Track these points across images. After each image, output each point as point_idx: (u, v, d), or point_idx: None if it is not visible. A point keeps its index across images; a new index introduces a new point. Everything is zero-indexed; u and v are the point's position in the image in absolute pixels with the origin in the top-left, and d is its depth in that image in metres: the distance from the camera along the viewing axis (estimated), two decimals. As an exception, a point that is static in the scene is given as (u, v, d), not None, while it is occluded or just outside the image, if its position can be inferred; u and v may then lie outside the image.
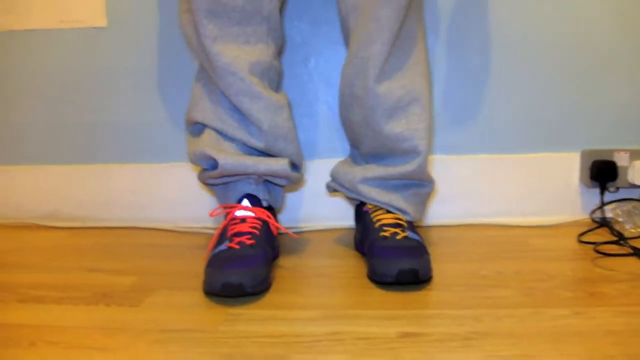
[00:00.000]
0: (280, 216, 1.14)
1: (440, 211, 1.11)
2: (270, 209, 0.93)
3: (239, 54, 0.84)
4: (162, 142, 1.16)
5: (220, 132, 0.89)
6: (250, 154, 0.90)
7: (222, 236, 0.83)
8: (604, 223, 1.03)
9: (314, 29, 1.10)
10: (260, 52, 0.87)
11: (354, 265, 0.88)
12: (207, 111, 0.89)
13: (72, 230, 1.15)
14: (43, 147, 1.20)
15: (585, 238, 0.97)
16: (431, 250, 0.92)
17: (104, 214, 1.19)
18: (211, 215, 0.88)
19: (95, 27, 1.14)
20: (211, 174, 0.89)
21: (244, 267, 0.74)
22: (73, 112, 1.18)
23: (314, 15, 1.09)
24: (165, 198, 1.16)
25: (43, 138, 1.20)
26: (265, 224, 0.86)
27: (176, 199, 1.16)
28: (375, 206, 0.89)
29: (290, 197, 1.14)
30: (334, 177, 0.96)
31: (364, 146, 0.91)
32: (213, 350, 0.61)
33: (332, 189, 0.98)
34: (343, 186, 0.93)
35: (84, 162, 1.19)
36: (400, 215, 0.87)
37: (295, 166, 0.95)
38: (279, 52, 0.94)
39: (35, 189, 1.20)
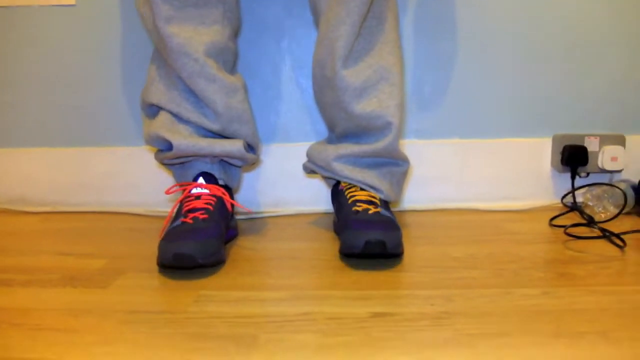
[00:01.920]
0: (250, 200, 1.13)
1: (414, 195, 1.12)
2: (226, 187, 0.93)
3: (193, 35, 0.84)
4: (133, 125, 1.14)
5: (175, 115, 0.89)
6: (205, 136, 0.90)
7: (177, 213, 0.84)
8: (574, 207, 1.05)
9: (286, 10, 1.09)
10: (215, 33, 0.86)
11: (326, 248, 0.87)
12: (162, 93, 0.88)
13: (42, 214, 1.13)
14: (15, 129, 1.17)
15: (556, 222, 0.98)
16: (404, 233, 0.92)
17: (75, 199, 1.17)
18: (167, 192, 0.88)
19: (64, 5, 1.12)
20: (167, 155, 0.89)
21: (195, 240, 0.75)
22: (45, 94, 1.15)
23: (287, -4, 1.08)
24: (136, 181, 1.15)
25: (14, 120, 1.17)
26: (220, 200, 0.87)
27: (144, 182, 1.14)
28: (350, 184, 0.89)
29: (260, 181, 1.13)
30: (309, 157, 0.96)
31: (339, 127, 0.91)
32: (182, 330, 0.60)
33: (308, 170, 0.97)
34: (318, 165, 0.93)
35: (56, 145, 1.16)
36: (373, 193, 0.87)
37: (251, 147, 0.95)
38: (235, 34, 0.94)
39: (5, 172, 1.17)
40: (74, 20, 1.12)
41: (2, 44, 1.14)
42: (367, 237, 0.75)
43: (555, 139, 1.10)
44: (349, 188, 0.89)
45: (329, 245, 0.89)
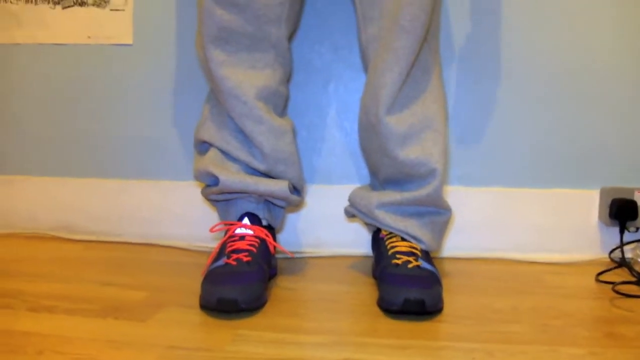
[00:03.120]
0: (291, 240, 1.13)
1: (456, 243, 1.10)
2: (269, 228, 0.94)
3: (244, 79, 0.87)
4: (178, 160, 1.17)
5: (224, 152, 0.91)
6: (253, 174, 0.91)
7: (220, 252, 0.85)
8: (623, 263, 1.01)
9: (334, 54, 1.11)
10: (266, 77, 0.89)
11: (365, 292, 0.87)
12: (213, 131, 0.91)
13: (86, 243, 1.16)
14: (61, 158, 1.21)
15: (603, 277, 0.95)
16: (444, 281, 0.91)
17: (118, 229, 1.19)
18: (211, 231, 0.90)
19: (121, 44, 1.17)
20: (213, 190, 0.91)
21: (239, 283, 0.75)
22: (92, 126, 1.20)
23: (335, 41, 1.11)
24: (179, 215, 1.17)
25: (61, 150, 1.21)
26: (263, 242, 0.87)
27: (190, 216, 1.16)
28: (391, 233, 0.89)
29: (302, 222, 1.13)
30: (351, 201, 0.96)
31: (382, 173, 0.91)
32: (219, 369, 0.60)
33: (350, 214, 0.97)
34: (360, 211, 0.93)
35: (100, 176, 1.20)
36: (414, 244, 0.87)
37: (296, 189, 0.96)
38: (287, 79, 0.97)
39: (52, 200, 1.22)
40: (131, 59, 1.17)
41: (59, 79, 1.20)
42: (406, 295, 0.74)
43: (604, 192, 1.07)
44: (390, 237, 0.88)
45: (368, 289, 0.88)
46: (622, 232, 1.05)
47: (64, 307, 0.78)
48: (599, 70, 1.07)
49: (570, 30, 1.07)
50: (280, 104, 0.94)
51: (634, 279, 0.92)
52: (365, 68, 0.92)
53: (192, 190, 1.16)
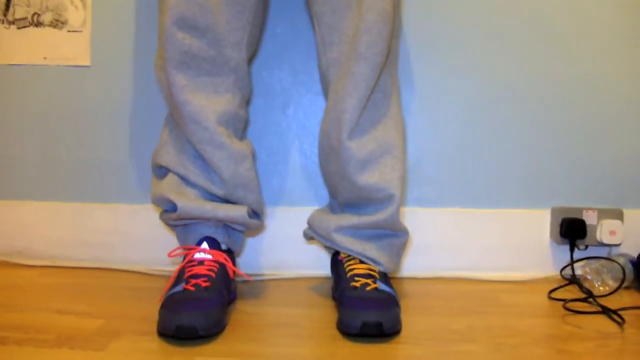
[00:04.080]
0: (251, 263, 1.13)
1: (413, 263, 1.12)
2: (229, 252, 0.94)
3: (206, 104, 0.87)
4: (137, 183, 1.16)
5: (182, 178, 0.91)
6: (211, 200, 0.91)
7: (178, 277, 0.84)
8: (573, 280, 1.05)
9: (293, 78, 1.12)
10: (226, 101, 0.89)
11: (324, 315, 0.87)
12: (172, 156, 0.91)
13: (42, 268, 1.13)
14: (19, 182, 1.19)
15: (555, 295, 0.98)
16: (402, 302, 0.92)
17: (75, 254, 1.17)
18: (170, 255, 0.89)
19: (78, 66, 1.16)
20: (171, 216, 0.90)
21: (198, 310, 0.74)
22: (49, 148, 1.18)
23: (294, 65, 1.12)
24: (138, 239, 1.15)
25: (20, 173, 1.19)
26: (222, 267, 0.87)
27: (149, 240, 1.15)
28: (349, 255, 0.90)
29: (262, 244, 1.14)
30: (310, 224, 0.97)
31: (341, 196, 0.92)
32: (177, 399, 0.59)
33: (308, 237, 0.98)
34: (318, 234, 0.94)
35: (57, 199, 1.18)
36: (372, 266, 0.88)
37: (255, 214, 0.96)
38: (246, 102, 0.97)
39: (6, 224, 1.18)
40: (88, 81, 1.15)
41: (17, 101, 1.17)
42: (364, 318, 0.75)
43: (554, 211, 1.11)
44: (348, 260, 0.89)
45: (327, 312, 0.89)
46: (572, 250, 1.09)
47: (17, 337, 0.76)
48: (551, 95, 1.11)
49: (523, 57, 1.11)
50: (239, 127, 0.94)
51: (583, 296, 0.95)
52: (325, 92, 0.94)
53: (151, 214, 1.15)
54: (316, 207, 1.08)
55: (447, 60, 1.11)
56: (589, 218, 1.10)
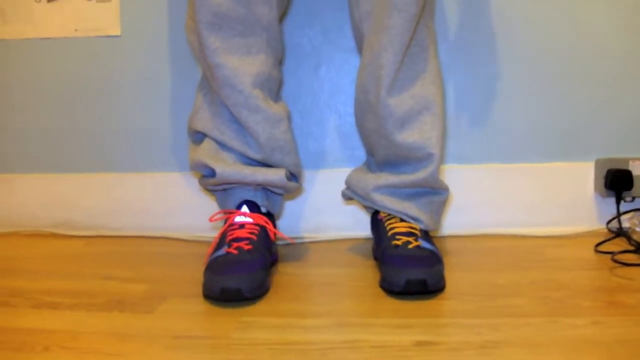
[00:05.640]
0: (291, 226, 1.13)
1: (455, 221, 1.11)
2: (269, 215, 0.94)
3: (240, 65, 0.85)
4: (173, 150, 1.17)
5: (219, 142, 0.90)
6: (249, 164, 0.91)
7: (221, 241, 0.85)
8: (621, 233, 1.02)
9: (324, 36, 1.10)
10: (260, 62, 0.88)
11: (366, 274, 0.87)
12: (207, 121, 0.90)
13: (86, 238, 1.16)
14: (56, 154, 1.21)
15: (602, 248, 0.95)
16: (445, 260, 0.91)
17: (116, 223, 1.19)
18: (210, 220, 0.89)
19: (109, 36, 1.16)
20: (210, 181, 0.90)
21: (241, 272, 0.75)
22: (84, 120, 1.19)
23: (324, 23, 1.10)
24: (177, 206, 1.17)
25: (56, 146, 1.21)
26: (263, 229, 0.87)
27: (188, 207, 1.16)
28: (389, 214, 0.89)
29: (300, 207, 1.13)
30: (348, 185, 0.96)
31: (379, 154, 0.91)
32: (226, 356, 0.60)
33: (347, 197, 0.97)
34: (357, 194, 0.93)
35: (96, 170, 1.20)
36: (413, 224, 0.87)
37: (293, 176, 0.96)
38: (279, 62, 0.96)
39: (50, 197, 1.21)
40: (119, 50, 1.16)
41: (50, 74, 1.19)
42: (408, 276, 0.74)
43: (599, 163, 1.08)
44: (389, 219, 0.88)
45: (369, 271, 0.89)
46: (618, 202, 1.05)
47: (68, 302, 0.78)
48: (591, 46, 1.07)
49: (563, 10, 1.06)
50: (274, 88, 0.93)
51: (632, 248, 0.93)
52: (359, 47, 0.91)
53: (189, 180, 1.16)
54: (353, 167, 1.07)
55: (485, 11, 1.07)
56: (636, 168, 1.06)
